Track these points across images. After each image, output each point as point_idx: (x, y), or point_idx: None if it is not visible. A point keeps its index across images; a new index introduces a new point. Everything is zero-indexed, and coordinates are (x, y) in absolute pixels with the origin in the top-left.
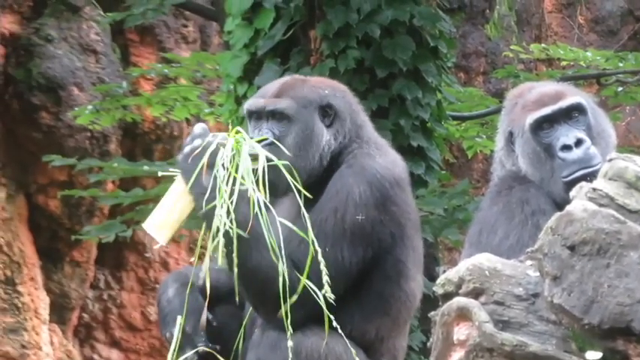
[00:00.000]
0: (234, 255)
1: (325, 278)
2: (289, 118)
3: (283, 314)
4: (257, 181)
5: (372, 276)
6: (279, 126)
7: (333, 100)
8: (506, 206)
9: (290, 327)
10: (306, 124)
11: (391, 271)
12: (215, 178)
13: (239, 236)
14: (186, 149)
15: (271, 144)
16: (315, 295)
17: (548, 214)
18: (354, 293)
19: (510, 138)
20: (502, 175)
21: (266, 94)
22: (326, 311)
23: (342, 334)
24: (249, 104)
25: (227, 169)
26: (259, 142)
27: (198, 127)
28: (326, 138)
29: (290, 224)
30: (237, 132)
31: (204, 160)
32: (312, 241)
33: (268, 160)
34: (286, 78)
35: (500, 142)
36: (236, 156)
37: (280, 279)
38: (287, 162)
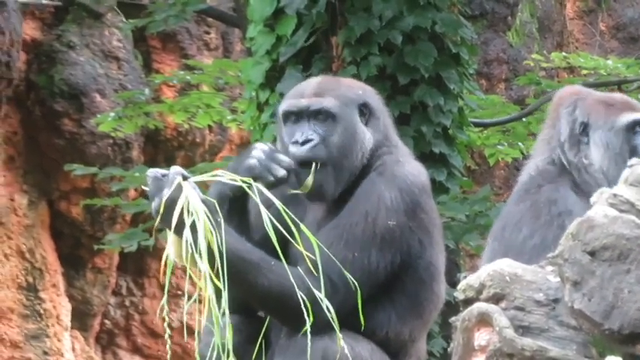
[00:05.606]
0: (238, 290)
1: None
2: (334, 117)
3: (336, 327)
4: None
5: (406, 279)
6: (322, 126)
7: (368, 99)
8: (533, 205)
9: (316, 331)
10: (350, 122)
11: (424, 275)
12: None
13: (237, 271)
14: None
15: (316, 146)
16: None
17: (574, 215)
18: (388, 296)
19: (584, 129)
20: (533, 174)
21: (304, 94)
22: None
23: (369, 338)
24: (288, 105)
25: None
26: (304, 142)
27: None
28: (367, 136)
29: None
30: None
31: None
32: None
33: (307, 165)
34: (319, 78)
35: (564, 131)
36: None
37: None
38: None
